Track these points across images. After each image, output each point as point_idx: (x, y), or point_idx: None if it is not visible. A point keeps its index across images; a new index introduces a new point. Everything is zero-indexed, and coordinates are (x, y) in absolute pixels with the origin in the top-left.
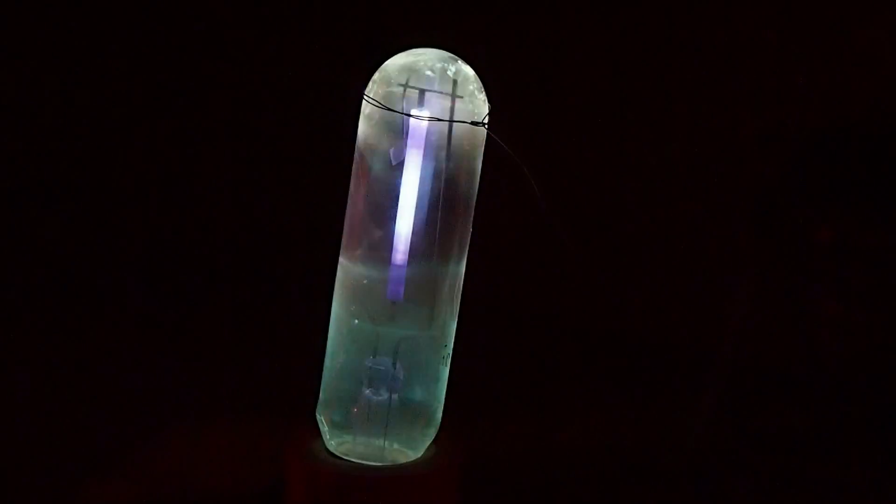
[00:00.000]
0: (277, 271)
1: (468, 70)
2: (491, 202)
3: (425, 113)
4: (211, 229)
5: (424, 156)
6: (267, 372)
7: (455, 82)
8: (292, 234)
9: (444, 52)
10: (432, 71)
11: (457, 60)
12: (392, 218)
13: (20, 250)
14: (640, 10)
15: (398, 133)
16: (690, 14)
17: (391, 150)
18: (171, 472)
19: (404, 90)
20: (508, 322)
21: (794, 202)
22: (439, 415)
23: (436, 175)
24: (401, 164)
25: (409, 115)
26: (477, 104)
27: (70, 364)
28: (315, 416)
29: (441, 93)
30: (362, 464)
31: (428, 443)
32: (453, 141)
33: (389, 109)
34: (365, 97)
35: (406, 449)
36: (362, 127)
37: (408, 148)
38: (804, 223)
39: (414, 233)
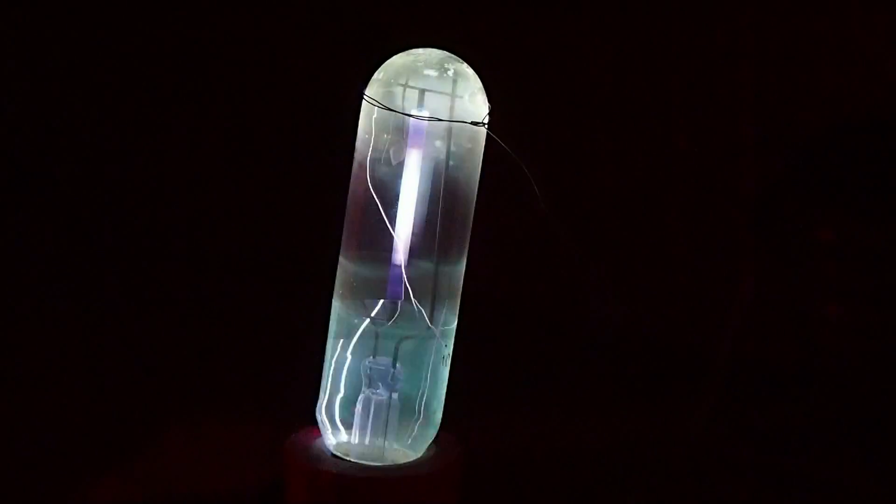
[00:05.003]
0: (277, 271)
1: (468, 70)
2: (491, 202)
3: (425, 113)
4: (211, 229)
5: (424, 156)
6: (267, 372)
7: (455, 82)
8: (292, 234)
9: (444, 52)
10: (432, 71)
11: (457, 60)
12: (392, 218)
13: (21, 250)
14: (641, 10)
15: (398, 133)
16: (691, 14)
17: (391, 150)
18: (171, 472)
19: (404, 90)
20: (508, 322)
21: (794, 202)
22: (439, 415)
23: (436, 175)
24: (401, 164)
25: (409, 115)
26: (477, 104)
27: (70, 364)
28: (315, 416)
29: (441, 93)
30: (362, 464)
31: (428, 443)
32: (453, 141)
33: (389, 109)
34: (365, 97)
35: (406, 449)
36: (362, 126)
37: (408, 148)
38: (804, 223)
39: (414, 233)
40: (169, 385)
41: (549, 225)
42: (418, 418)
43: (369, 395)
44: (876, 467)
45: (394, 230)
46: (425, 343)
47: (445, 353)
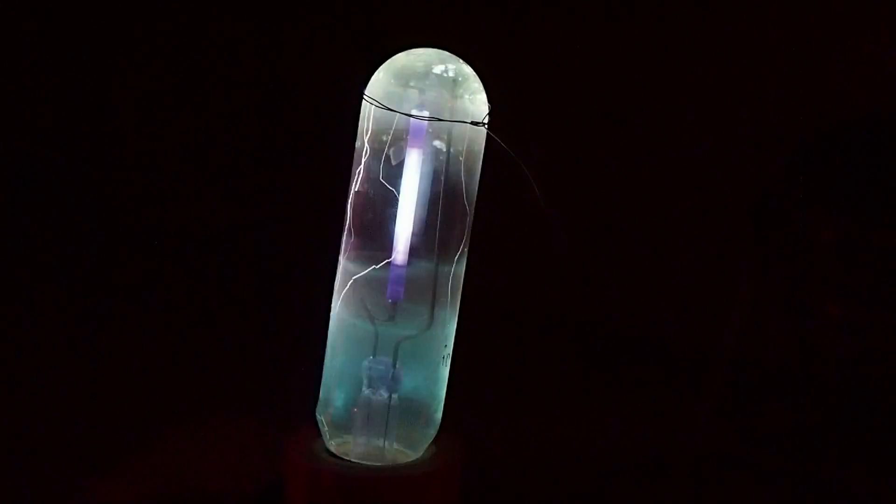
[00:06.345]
0: (277, 271)
1: (468, 70)
2: (491, 202)
3: (425, 113)
4: (211, 229)
5: (424, 156)
6: (267, 372)
7: (455, 82)
8: (292, 234)
9: (444, 52)
10: (432, 71)
11: (457, 60)
12: (392, 218)
13: (21, 250)
14: (641, 11)
15: (398, 133)
16: (691, 14)
17: (391, 150)
18: (171, 472)
19: (404, 90)
20: (508, 322)
21: (794, 202)
22: (439, 415)
23: (436, 175)
24: (401, 164)
25: (410, 115)
26: (477, 104)
27: (70, 364)
28: (315, 416)
29: (441, 93)
30: (362, 464)
31: (428, 443)
32: (453, 141)
33: (390, 109)
34: (365, 97)
35: (406, 449)
36: (362, 127)
37: (408, 148)
38: (804, 223)
39: (414, 233)
40: (169, 385)
41: (549, 224)
42: (418, 418)
43: (369, 396)
44: (876, 467)
45: (394, 230)
46: (426, 343)
47: (445, 353)
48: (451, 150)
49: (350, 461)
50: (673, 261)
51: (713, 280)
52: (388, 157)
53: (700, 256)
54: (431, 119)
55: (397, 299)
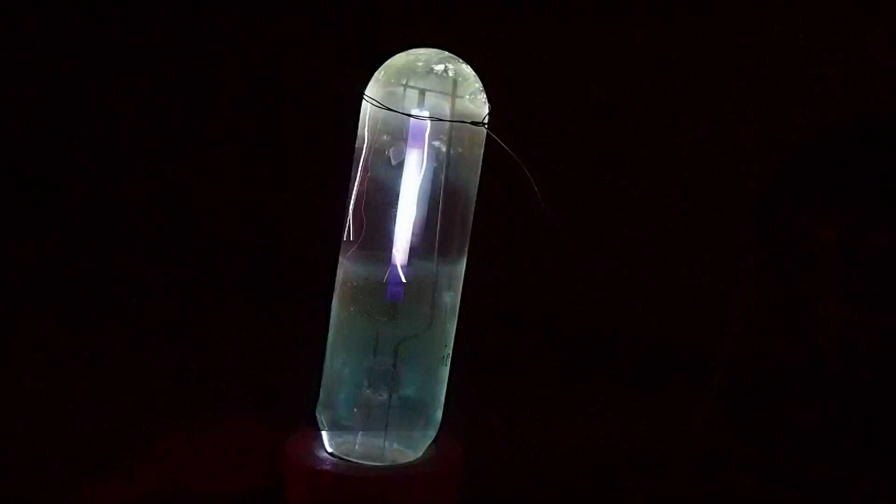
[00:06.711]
0: (277, 271)
1: (468, 70)
2: (491, 202)
3: (425, 113)
4: (211, 229)
5: (424, 156)
6: (267, 372)
7: (455, 82)
8: (292, 234)
9: (444, 52)
10: (433, 71)
11: (457, 60)
12: (392, 218)
13: (21, 251)
14: (641, 11)
15: (398, 133)
16: (691, 14)
17: (391, 150)
18: (171, 472)
19: (404, 90)
20: (508, 322)
21: (794, 202)
22: (439, 415)
23: (436, 175)
24: (401, 164)
25: (410, 115)
26: (477, 104)
27: (70, 364)
28: (315, 416)
29: (441, 93)
30: (362, 464)
31: (428, 443)
32: (453, 141)
33: (390, 109)
34: (365, 97)
35: (406, 449)
36: (362, 127)
37: (408, 148)
38: (804, 223)
39: (414, 233)
40: (169, 385)
41: (549, 225)
42: (418, 418)
43: (369, 396)
44: (876, 467)
45: (394, 230)
46: (426, 343)
47: (445, 353)
48: (451, 150)
49: (350, 461)
50: (673, 261)
51: (713, 280)
52: (388, 157)
53: (700, 256)
54: (431, 119)
55: (397, 299)
